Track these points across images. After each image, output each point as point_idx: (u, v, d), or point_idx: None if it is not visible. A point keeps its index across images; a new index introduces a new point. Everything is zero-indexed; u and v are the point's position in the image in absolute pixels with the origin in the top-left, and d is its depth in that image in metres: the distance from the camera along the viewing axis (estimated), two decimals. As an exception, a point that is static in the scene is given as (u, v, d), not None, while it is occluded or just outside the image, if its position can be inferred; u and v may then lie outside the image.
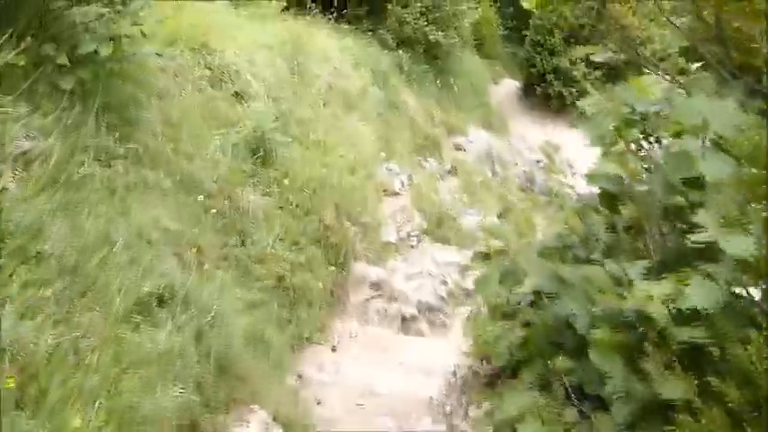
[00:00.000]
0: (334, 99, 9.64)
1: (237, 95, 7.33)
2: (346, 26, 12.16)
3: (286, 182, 6.53)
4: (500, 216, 10.08)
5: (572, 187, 12.06)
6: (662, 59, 15.14)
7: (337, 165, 7.49)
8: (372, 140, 9.45)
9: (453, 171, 10.39)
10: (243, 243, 5.45)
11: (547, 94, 16.17)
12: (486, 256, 3.93)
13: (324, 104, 9.14)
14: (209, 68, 7.17)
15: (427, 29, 13.09)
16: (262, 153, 6.48)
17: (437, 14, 13.42)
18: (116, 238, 3.62)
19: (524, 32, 17.76)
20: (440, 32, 13.31)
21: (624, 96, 3.41)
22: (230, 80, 7.30)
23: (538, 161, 12.96)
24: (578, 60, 15.76)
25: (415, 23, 12.91)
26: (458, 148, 12.05)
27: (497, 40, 19.92)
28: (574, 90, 15.69)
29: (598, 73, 15.85)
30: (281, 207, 6.20)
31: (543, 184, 12.06)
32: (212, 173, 5.39)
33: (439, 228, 7.82)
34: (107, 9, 4.52)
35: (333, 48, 10.86)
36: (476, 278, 3.71)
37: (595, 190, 3.49)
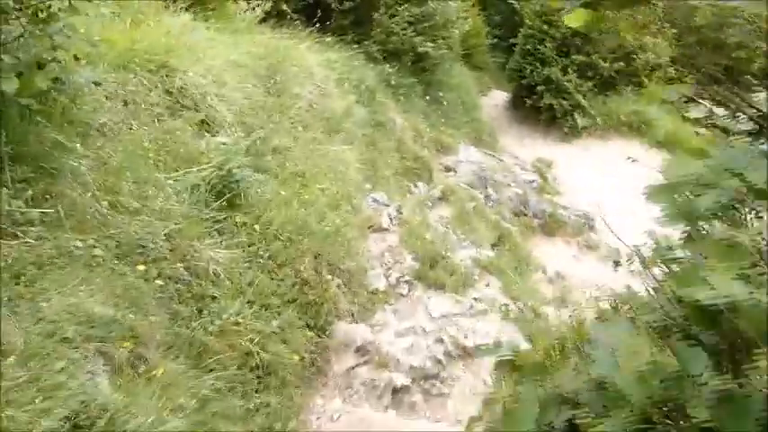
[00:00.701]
0: (316, 121, 8.71)
1: (202, 124, 6.37)
2: (330, 38, 11.23)
3: (257, 228, 5.58)
4: (494, 246, 9.20)
5: (565, 208, 11.08)
6: (653, 69, 14.17)
7: (318, 201, 6.55)
8: (357, 167, 8.52)
9: (444, 197, 9.48)
10: (200, 314, 4.50)
11: (537, 106, 15.31)
12: (513, 367, 2.97)
13: (304, 128, 8.20)
14: (169, 93, 6.21)
15: (416, 39, 12.19)
16: (228, 195, 5.52)
17: (426, 24, 12.54)
18: (11, 346, 2.66)
19: (513, 41, 16.95)
20: (429, 43, 12.42)
21: (730, 158, 2.32)
22: (194, 106, 6.34)
23: (531, 181, 12.10)
24: (570, 71, 14.94)
25: (403, 34, 12.01)
26: (448, 169, 11.16)
27: (485, 50, 19.11)
28: (565, 102, 14.86)
29: (590, 84, 15.04)
30: (249, 261, 5.24)
31: (537, 207, 11.20)
32: (162, 228, 4.42)
33: (432, 269, 6.89)
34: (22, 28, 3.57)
35: (315, 63, 9.92)
36: (504, 410, 2.75)
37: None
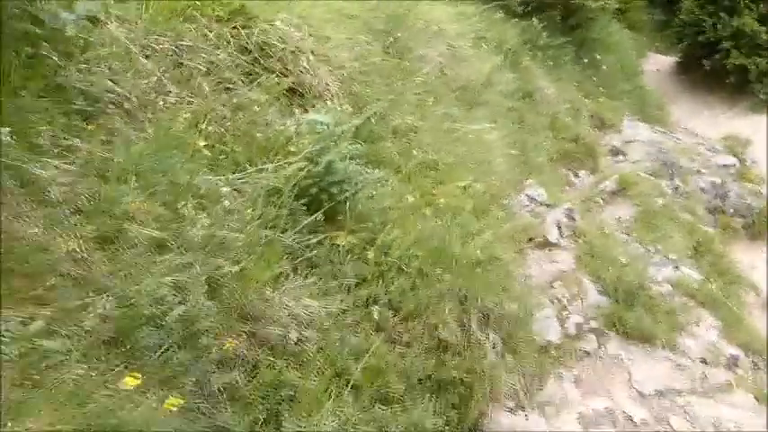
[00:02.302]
0: (449, 91, 6.56)
1: (293, 95, 4.39)
2: (461, -13, 9.00)
3: (370, 257, 3.54)
4: (691, 258, 6.73)
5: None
6: None
7: (460, 207, 4.41)
8: (505, 153, 6.31)
9: (621, 191, 7.08)
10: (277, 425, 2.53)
11: (720, 68, 12.26)
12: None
13: (434, 101, 6.06)
14: (246, 50, 4.26)
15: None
16: (327, 204, 3.50)
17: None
18: None
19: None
20: (587, -8, 9.93)
21: None
22: (282, 69, 4.36)
23: (726, 166, 9.34)
24: (762, 21, 11.83)
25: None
26: (616, 152, 8.68)
27: (641, 5, 16.09)
28: (762, 61, 11.78)
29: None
30: (356, 314, 3.21)
31: (738, 201, 8.50)
32: (203, 274, 2.47)
33: (630, 308, 4.61)
34: None
35: (445, 17, 7.75)
36: None
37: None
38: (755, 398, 4.09)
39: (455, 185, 4.73)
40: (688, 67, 13.13)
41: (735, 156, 9.72)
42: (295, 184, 3.40)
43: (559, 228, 5.37)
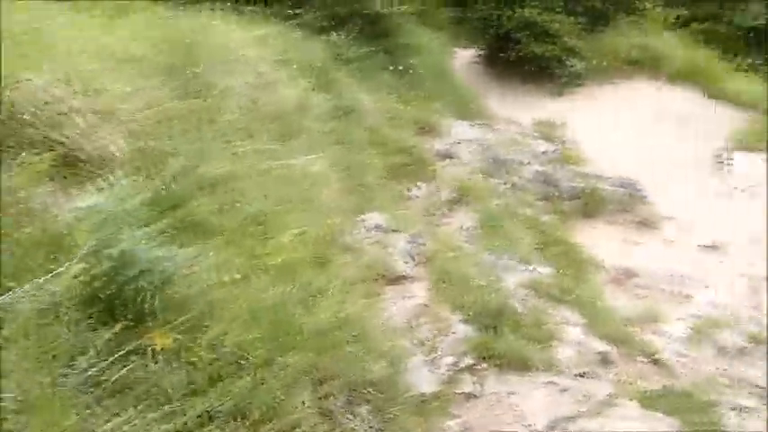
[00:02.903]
0: (262, 125, 5.91)
1: (70, 167, 3.55)
2: (255, 8, 8.41)
3: (197, 356, 2.82)
4: (540, 252, 6.61)
5: (600, 179, 8.46)
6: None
7: (295, 264, 3.79)
8: (335, 182, 5.78)
9: (460, 199, 6.81)
10: None
11: (519, 58, 12.62)
12: None
13: (247, 138, 5.40)
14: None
15: (366, -4, 9.45)
16: (129, 305, 2.74)
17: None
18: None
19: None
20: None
21: None
22: (44, 140, 3.51)
23: (548, 152, 9.47)
24: (554, 9, 12.33)
25: (351, -8, 9.24)
26: (445, 155, 8.47)
27: (437, 4, 16.34)
28: (553, 47, 12.25)
29: (580, 21, 12.46)
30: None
31: (567, 184, 8.61)
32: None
33: (498, 334, 4.22)
34: None
35: (244, 42, 7.11)
36: None
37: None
38: (639, 402, 3.86)
39: (287, 236, 4.11)
40: (492, 60, 13.41)
41: (552, 140, 9.91)
42: (81, 293, 2.61)
43: (408, 256, 4.92)
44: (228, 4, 8.01)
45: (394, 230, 5.36)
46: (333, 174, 6.07)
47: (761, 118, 10.19)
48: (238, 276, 3.38)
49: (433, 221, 6.23)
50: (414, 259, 4.90)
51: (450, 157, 8.41)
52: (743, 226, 8.02)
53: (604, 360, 4.63)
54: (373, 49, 10.12)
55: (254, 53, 7.07)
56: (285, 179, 5.02)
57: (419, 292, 4.54)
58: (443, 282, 4.64)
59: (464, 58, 14.78)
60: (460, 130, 9.46)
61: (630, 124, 10.69)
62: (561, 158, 9.38)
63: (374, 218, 5.55)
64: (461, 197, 6.86)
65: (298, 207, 4.70)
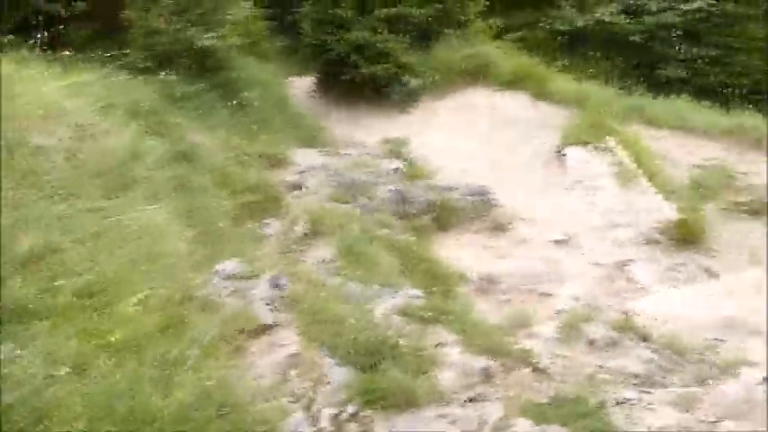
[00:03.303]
0: (88, 179, 5.37)
1: None
2: (69, 55, 7.76)
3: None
4: (405, 273, 6.50)
5: (450, 190, 8.57)
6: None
7: (141, 336, 3.36)
8: (180, 234, 5.34)
9: (315, 230, 6.57)
10: None
11: (355, 80, 12.65)
12: None
13: (72, 197, 4.86)
14: None
15: (192, 32, 9.01)
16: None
17: (198, 12, 9.39)
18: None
19: (294, 16, 14.34)
20: (210, 33, 9.30)
21: None
22: None
23: (396, 170, 9.47)
24: (380, 29, 12.48)
25: (174, 29, 8.76)
26: (295, 186, 8.21)
27: (265, 35, 16.09)
28: (386, 66, 12.38)
29: (407, 38, 12.67)
30: None
31: (420, 199, 8.61)
32: None
33: (378, 372, 3.99)
34: None
35: (60, 93, 6.49)
36: None
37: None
38: (532, 419, 3.78)
39: (131, 304, 3.66)
40: (328, 85, 13.34)
41: (400, 158, 9.95)
42: None
43: (271, 302, 4.59)
44: (37, 51, 7.32)
45: (252, 276, 5.01)
46: (177, 224, 5.63)
47: (584, 113, 10.78)
48: (77, 360, 2.93)
49: (291, 259, 5.92)
50: (277, 305, 4.57)
51: (301, 188, 8.16)
52: (585, 216, 8.40)
53: (487, 377, 4.52)
54: (205, 85, 9.70)
55: (71, 103, 6.48)
56: (122, 238, 4.54)
57: (288, 339, 4.22)
58: (312, 324, 4.36)
59: (300, 86, 14.62)
60: (307, 158, 9.25)
61: (471, 132, 10.98)
62: (411, 174, 9.41)
63: (229, 265, 5.17)
64: (317, 228, 6.61)
65: (140, 267, 4.25)
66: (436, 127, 11.28)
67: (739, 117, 10.31)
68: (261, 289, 4.73)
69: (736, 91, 11.97)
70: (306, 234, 6.61)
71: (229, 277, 4.99)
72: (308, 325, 4.32)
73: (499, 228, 8.31)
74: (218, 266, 5.10)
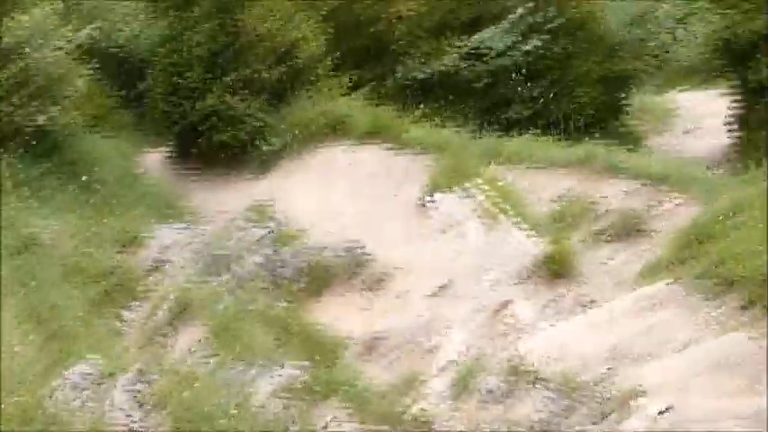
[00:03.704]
0: None
1: None
2: None
3: None
4: (282, 347, 6.13)
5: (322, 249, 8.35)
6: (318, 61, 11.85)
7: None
8: (22, 337, 4.70)
9: (182, 312, 6.07)
10: None
11: (212, 147, 12.20)
12: None
13: None
14: None
15: (23, 112, 8.31)
16: None
17: (29, 89, 8.71)
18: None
19: (139, 86, 13.76)
20: (45, 113, 8.64)
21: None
22: None
23: (265, 235, 9.10)
24: (231, 93, 12.18)
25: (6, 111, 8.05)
26: (156, 268, 7.64)
27: (114, 109, 15.29)
28: (241, 130, 12.05)
29: (260, 99, 12.42)
30: None
31: (293, 262, 8.32)
32: None
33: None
34: None
35: None
36: None
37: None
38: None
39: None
40: (185, 155, 12.77)
41: (267, 223, 9.58)
42: None
43: (134, 404, 4.06)
44: None
45: (110, 376, 4.46)
46: (18, 326, 4.97)
47: (444, 159, 10.91)
48: None
49: (156, 350, 5.40)
50: (141, 406, 4.06)
51: (161, 269, 7.60)
52: (459, 262, 8.40)
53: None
54: (50, 166, 8.98)
55: None
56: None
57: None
58: (186, 423, 3.89)
59: (154, 159, 13.94)
60: (167, 235, 8.70)
61: (336, 188, 10.83)
62: (280, 239, 9.07)
63: (82, 367, 4.58)
64: (183, 311, 6.12)
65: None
66: (300, 187, 11.02)
67: (586, 147, 10.81)
68: (120, 391, 4.20)
69: (580, 123, 12.63)
70: (171, 319, 6.09)
71: (82, 381, 4.41)
72: (181, 425, 3.84)
73: (376, 283, 8.15)
74: (69, 371, 4.50)
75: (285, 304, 7.20)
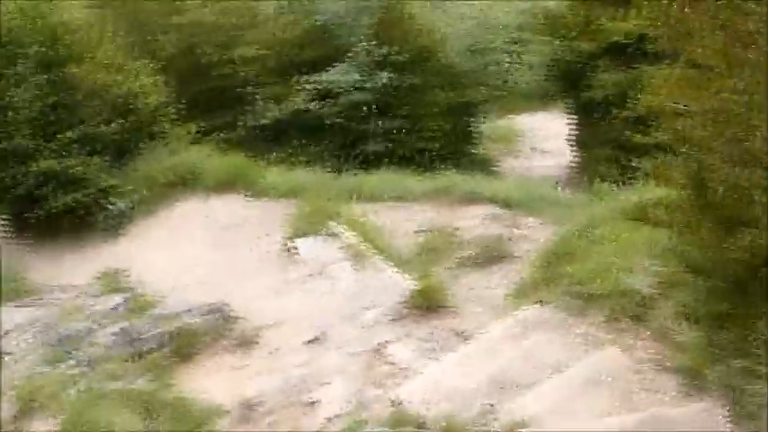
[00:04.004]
0: None
1: None
2: None
3: None
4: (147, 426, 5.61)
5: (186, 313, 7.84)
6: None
7: None
8: None
9: (28, 408, 5.39)
10: None
11: (52, 214, 11.26)
12: None
13: None
14: None
15: None
16: None
17: None
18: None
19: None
20: None
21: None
22: None
23: (117, 306, 8.42)
24: (65, 153, 11.34)
25: None
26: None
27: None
28: (82, 193, 11.23)
29: (100, 157, 11.64)
30: None
31: (152, 331, 7.75)
32: None
33: None
34: None
35: None
36: None
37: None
38: None
39: None
40: (22, 224, 11.66)
41: (121, 291, 8.89)
42: None
43: None
44: None
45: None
46: None
47: (304, 202, 10.69)
48: None
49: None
50: None
51: (2, 356, 6.79)
52: (330, 308, 8.15)
53: None
54: None
55: None
56: None
57: None
58: None
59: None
60: (5, 318, 7.82)
61: (193, 245, 10.30)
62: (136, 307, 8.43)
63: None
64: (29, 405, 5.43)
65: None
66: (155, 247, 10.37)
67: (442, 177, 11.01)
68: None
69: (434, 154, 12.87)
70: (15, 416, 5.39)
71: None
72: None
73: (246, 342, 7.73)
74: None
75: (149, 377, 6.61)
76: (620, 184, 8.89)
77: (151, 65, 12.67)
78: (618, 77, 11.27)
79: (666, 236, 5.28)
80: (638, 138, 6.69)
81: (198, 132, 13.30)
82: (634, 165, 8.80)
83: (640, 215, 5.68)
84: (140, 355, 7.25)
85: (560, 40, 12.88)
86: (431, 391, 5.69)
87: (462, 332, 7.10)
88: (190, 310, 8.05)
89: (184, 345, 7.55)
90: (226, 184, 11.49)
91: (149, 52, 13.37)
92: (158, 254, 10.16)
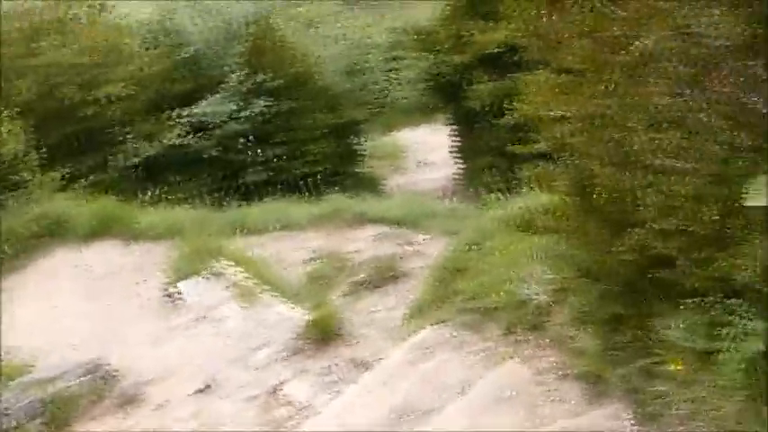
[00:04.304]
0: None
1: None
2: None
3: None
4: None
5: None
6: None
7: None
8: None
9: None
10: None
11: None
12: None
13: None
14: None
15: None
16: None
17: None
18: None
19: None
20: None
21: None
22: None
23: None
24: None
25: None
26: None
27: None
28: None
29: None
30: None
31: (22, 403, 6.98)
32: None
33: None
34: None
35: None
36: None
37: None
38: None
39: None
40: None
41: None
42: None
43: None
44: None
45: None
46: None
47: (184, 242, 10.10)
48: None
49: None
50: None
51: None
52: (220, 351, 7.64)
53: None
54: None
55: None
56: None
57: None
58: None
59: None
60: None
61: (66, 299, 9.48)
62: (3, 375, 7.59)
63: None
64: None
65: None
66: (22, 306, 9.44)
67: (328, 201, 10.73)
68: None
69: (318, 178, 12.59)
70: None
71: None
72: None
73: (129, 401, 7.09)
74: None
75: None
76: (506, 192, 8.91)
77: (6, 112, 11.71)
78: (493, 87, 11.44)
79: (556, 243, 5.22)
80: (517, 147, 6.65)
81: (63, 178, 12.41)
82: (517, 173, 8.89)
83: (528, 224, 5.60)
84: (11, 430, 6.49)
85: (434, 55, 12.99)
86: (333, 430, 5.34)
87: (361, 361, 6.80)
88: (65, 373, 7.32)
89: (62, 411, 6.85)
90: (98, 231, 10.70)
91: (4, 98, 12.39)
92: (26, 313, 9.25)
